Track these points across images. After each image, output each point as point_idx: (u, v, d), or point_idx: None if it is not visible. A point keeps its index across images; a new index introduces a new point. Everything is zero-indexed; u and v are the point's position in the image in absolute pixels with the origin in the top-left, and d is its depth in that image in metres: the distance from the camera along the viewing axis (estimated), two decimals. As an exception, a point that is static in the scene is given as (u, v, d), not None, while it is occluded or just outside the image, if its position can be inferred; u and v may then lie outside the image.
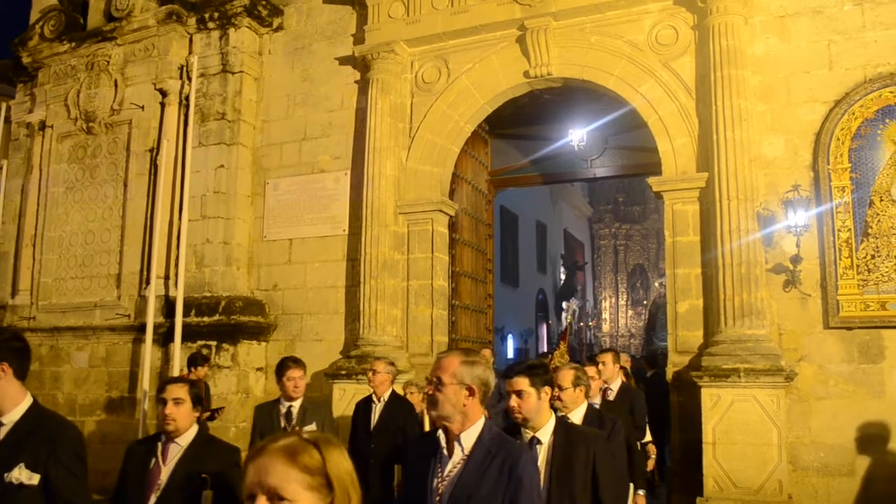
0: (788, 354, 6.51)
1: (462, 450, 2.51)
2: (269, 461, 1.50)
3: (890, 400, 6.24)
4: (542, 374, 3.06)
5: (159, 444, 3.29)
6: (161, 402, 3.31)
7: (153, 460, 3.25)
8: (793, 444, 6.38)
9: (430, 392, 2.56)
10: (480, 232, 9.71)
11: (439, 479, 2.50)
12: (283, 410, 5.00)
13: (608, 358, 6.27)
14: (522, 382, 3.02)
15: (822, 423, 6.40)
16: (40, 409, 2.88)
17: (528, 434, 3.08)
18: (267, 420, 5.07)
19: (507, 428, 3.19)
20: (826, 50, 6.85)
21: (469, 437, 2.51)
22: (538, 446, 3.06)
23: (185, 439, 3.28)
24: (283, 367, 5.04)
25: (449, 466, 2.51)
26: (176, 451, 3.25)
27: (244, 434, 8.30)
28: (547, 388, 3.05)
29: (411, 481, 2.63)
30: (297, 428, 4.78)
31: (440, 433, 2.58)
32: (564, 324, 11.63)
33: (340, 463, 1.54)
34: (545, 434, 3.07)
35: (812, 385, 6.48)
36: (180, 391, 3.33)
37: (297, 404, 5.00)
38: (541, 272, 19.96)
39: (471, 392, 2.53)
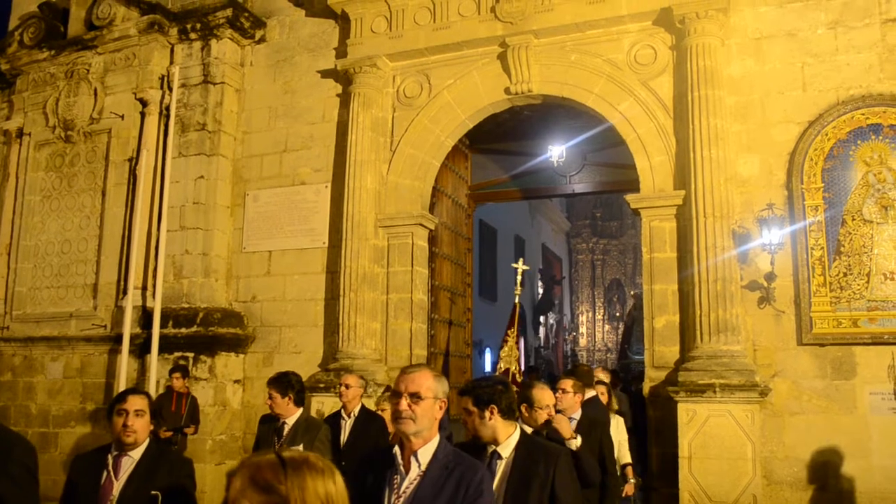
0: (763, 370, 6.61)
1: (419, 465, 2.51)
2: (238, 476, 1.54)
3: (861, 415, 6.36)
4: (488, 393, 3.08)
5: (110, 458, 3.20)
6: (120, 413, 3.21)
7: (105, 474, 3.16)
8: (767, 459, 6.47)
9: (407, 406, 2.53)
10: (460, 246, 9.76)
11: (396, 496, 2.49)
12: (277, 426, 4.96)
13: (568, 385, 5.09)
14: (466, 401, 3.13)
15: (795, 437, 6.50)
16: None
17: (490, 448, 3.09)
18: (264, 434, 5.02)
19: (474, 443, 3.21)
20: (800, 72, 7.01)
21: (426, 453, 2.53)
22: (498, 461, 3.06)
23: (138, 452, 3.20)
24: (267, 382, 5.00)
25: (406, 483, 2.50)
26: (128, 464, 3.18)
27: (221, 446, 8.26)
28: (493, 408, 3.04)
29: (362, 499, 2.56)
30: (284, 446, 4.73)
31: (396, 449, 2.58)
32: (516, 300, 9.01)
33: (311, 486, 1.53)
34: (506, 449, 3.07)
35: (786, 400, 6.58)
36: (142, 403, 3.26)
37: (290, 421, 4.87)
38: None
39: (441, 406, 2.60)
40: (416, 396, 2.54)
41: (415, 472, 2.50)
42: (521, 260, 9.09)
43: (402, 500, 2.47)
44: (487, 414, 3.05)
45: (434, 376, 2.63)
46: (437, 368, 8.59)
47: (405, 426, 2.53)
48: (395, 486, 2.51)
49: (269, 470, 1.52)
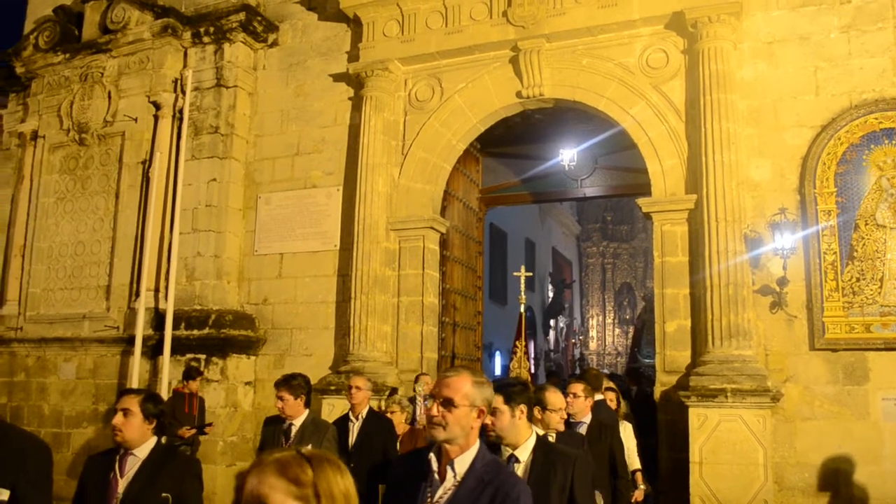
0: (775, 375, 6.58)
1: (454, 475, 2.39)
2: (261, 473, 1.56)
3: (874, 421, 6.33)
4: (517, 392, 3.05)
5: (117, 457, 3.24)
6: (116, 412, 3.27)
7: (111, 473, 3.20)
8: (778, 464, 6.44)
9: (437, 413, 2.42)
10: (471, 249, 9.76)
11: None
12: (284, 427, 4.97)
13: (579, 389, 5.11)
14: (496, 400, 2.99)
15: (807, 443, 6.47)
16: (5, 425, 2.88)
17: (507, 451, 3.04)
18: (270, 435, 5.04)
19: (490, 444, 3.20)
20: (813, 76, 6.98)
21: (463, 463, 2.41)
22: (515, 465, 3.02)
23: (143, 451, 3.23)
24: (275, 384, 5.01)
25: (440, 492, 2.39)
26: (133, 463, 3.21)
27: (232, 448, 8.29)
28: (523, 407, 3.01)
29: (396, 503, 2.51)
30: (293, 446, 4.74)
31: (432, 455, 2.47)
32: (522, 307, 8.73)
33: (333, 480, 1.57)
34: (524, 452, 3.03)
35: (798, 406, 6.55)
36: (130, 402, 3.25)
37: (297, 422, 4.89)
38: (529, 290, 19.98)
39: (480, 415, 2.46)
40: (449, 403, 2.42)
41: (450, 482, 2.39)
42: (522, 268, 9.01)
43: None
44: (518, 413, 3.01)
45: (473, 382, 2.48)
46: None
47: (435, 433, 2.43)
48: (429, 494, 2.41)
49: (297, 465, 1.55)
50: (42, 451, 2.87)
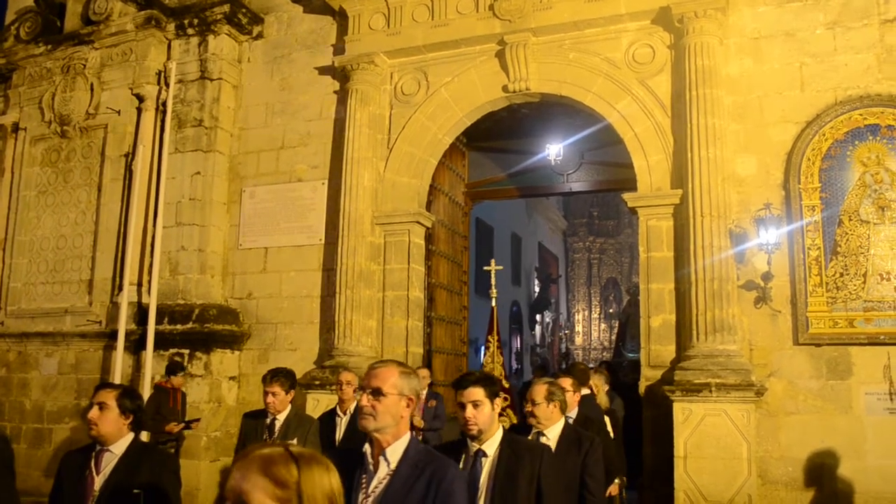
0: (759, 370, 6.61)
1: (388, 464, 2.45)
2: (246, 467, 1.52)
3: (857, 415, 6.37)
4: (493, 385, 3.08)
5: (93, 454, 3.20)
6: (90, 406, 3.24)
7: (87, 470, 3.17)
8: (762, 459, 6.47)
9: (367, 403, 2.48)
10: (457, 244, 9.74)
11: (364, 496, 2.42)
12: (268, 422, 4.93)
13: (567, 383, 4.94)
14: (478, 393, 3.01)
15: (791, 437, 6.51)
16: None
17: (474, 446, 3.04)
18: (252, 430, 5.00)
19: (455, 440, 3.19)
20: (798, 72, 7.01)
21: (395, 452, 2.46)
22: (483, 459, 3.02)
23: (119, 448, 3.18)
24: (263, 378, 4.98)
25: (374, 482, 2.43)
26: (109, 459, 3.17)
27: (215, 443, 8.24)
28: (498, 400, 3.05)
29: None
30: (277, 442, 4.71)
31: (367, 447, 2.52)
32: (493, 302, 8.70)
33: (319, 482, 1.53)
34: (491, 446, 3.03)
35: (782, 400, 6.59)
36: (106, 396, 3.21)
37: (281, 417, 4.88)
38: (515, 284, 19.99)
39: (409, 403, 2.52)
40: (378, 393, 2.47)
41: (384, 471, 2.44)
42: (492, 262, 9.01)
43: (370, 499, 2.40)
44: (496, 406, 3.04)
45: (401, 372, 2.55)
46: (434, 366, 8.59)
47: (366, 423, 2.47)
48: (364, 485, 2.45)
49: (283, 464, 1.52)
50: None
